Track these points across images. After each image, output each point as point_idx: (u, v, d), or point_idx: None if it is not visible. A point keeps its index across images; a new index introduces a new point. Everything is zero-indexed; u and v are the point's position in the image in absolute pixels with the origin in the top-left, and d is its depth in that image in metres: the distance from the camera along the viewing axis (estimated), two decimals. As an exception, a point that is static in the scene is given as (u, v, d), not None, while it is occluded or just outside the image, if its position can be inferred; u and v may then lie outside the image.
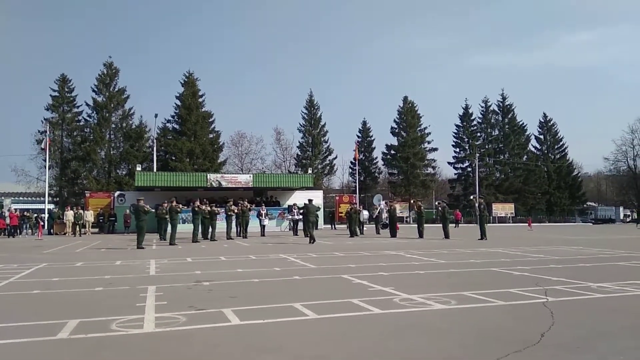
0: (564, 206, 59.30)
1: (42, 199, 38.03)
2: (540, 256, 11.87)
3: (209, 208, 19.84)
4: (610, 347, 3.97)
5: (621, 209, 62.78)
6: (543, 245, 15.74)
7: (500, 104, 59.52)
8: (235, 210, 21.27)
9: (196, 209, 19.22)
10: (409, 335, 4.38)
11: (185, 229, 22.30)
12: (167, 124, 46.98)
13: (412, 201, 25.70)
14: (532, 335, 4.22)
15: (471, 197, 31.66)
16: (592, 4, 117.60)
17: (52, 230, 28.44)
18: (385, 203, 29.75)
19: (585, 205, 63.72)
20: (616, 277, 7.87)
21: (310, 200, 19.80)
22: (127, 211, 27.57)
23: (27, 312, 5.55)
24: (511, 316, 5.13)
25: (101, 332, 4.44)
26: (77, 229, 26.57)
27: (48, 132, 38.16)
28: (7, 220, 26.43)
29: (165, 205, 18.75)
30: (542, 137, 61.86)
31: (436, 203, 22.39)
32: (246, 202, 22.45)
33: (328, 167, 54.30)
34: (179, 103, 46.91)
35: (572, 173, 62.07)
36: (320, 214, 30.03)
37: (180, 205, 19.64)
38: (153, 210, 19.03)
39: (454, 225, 34.98)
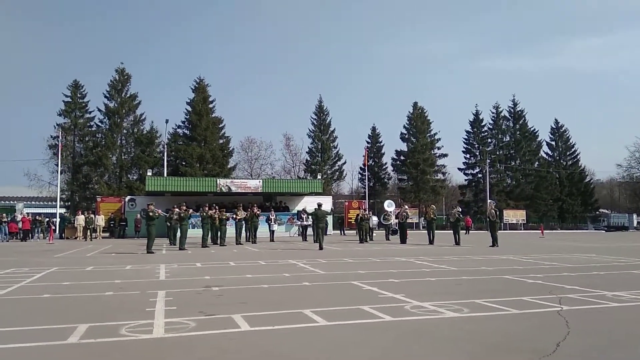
0: (576, 213, 58.60)
1: (53, 203, 38.38)
2: (554, 264, 11.70)
3: (218, 213, 19.86)
4: (628, 357, 3.87)
5: (634, 216, 61.77)
6: (556, 253, 15.52)
7: (512, 109, 59.09)
8: (240, 216, 21.14)
9: (205, 214, 19.25)
10: (420, 343, 4.32)
11: (195, 234, 22.35)
12: (178, 130, 47.31)
13: (432, 205, 25.52)
14: (548, 344, 4.14)
15: (489, 201, 31.45)
16: (603, 10, 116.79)
17: (63, 235, 28.68)
18: (398, 208, 29.51)
19: (597, 212, 62.89)
20: (632, 286, 7.72)
21: (319, 205, 19.15)
22: (138, 216, 27.76)
23: (38, 316, 5.56)
24: (525, 325, 5.04)
25: (111, 337, 4.44)
26: (88, 233, 26.72)
27: (60, 138, 38.63)
28: (19, 225, 26.72)
29: (176, 210, 18.81)
30: (553, 143, 61.23)
31: (454, 211, 22.28)
32: (255, 208, 22.42)
33: (337, 173, 54.24)
34: (189, 109, 47.20)
35: (584, 180, 61.34)
36: (330, 219, 29.90)
37: (191, 210, 19.61)
38: (167, 214, 19.09)
39: (465, 231, 34.72)
